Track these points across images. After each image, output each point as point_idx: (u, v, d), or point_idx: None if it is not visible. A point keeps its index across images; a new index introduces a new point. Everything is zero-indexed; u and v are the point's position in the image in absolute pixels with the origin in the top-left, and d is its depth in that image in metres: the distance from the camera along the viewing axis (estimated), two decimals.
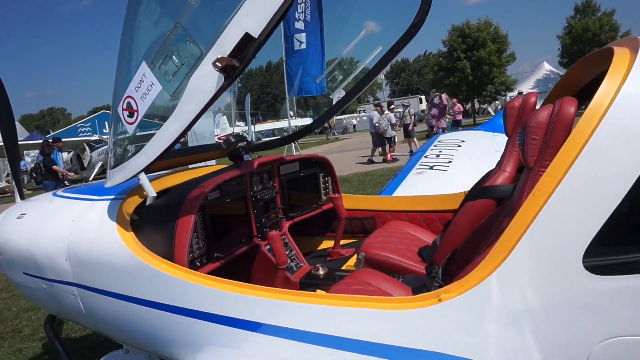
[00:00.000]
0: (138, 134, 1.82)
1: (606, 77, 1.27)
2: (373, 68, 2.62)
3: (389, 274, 2.26)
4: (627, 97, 1.21)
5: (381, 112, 15.20)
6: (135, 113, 1.73)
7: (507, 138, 2.50)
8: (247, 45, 1.46)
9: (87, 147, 21.94)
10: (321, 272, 2.65)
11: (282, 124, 36.65)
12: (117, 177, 1.97)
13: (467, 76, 32.95)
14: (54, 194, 2.73)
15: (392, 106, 16.00)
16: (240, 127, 27.10)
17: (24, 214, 2.55)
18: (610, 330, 1.25)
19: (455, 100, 22.45)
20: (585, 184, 1.23)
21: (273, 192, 2.83)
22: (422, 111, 18.97)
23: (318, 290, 2.48)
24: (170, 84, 1.61)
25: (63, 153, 24.16)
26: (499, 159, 2.48)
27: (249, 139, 3.00)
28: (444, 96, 15.85)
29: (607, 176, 1.20)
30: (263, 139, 16.79)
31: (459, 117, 20.35)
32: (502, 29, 33.86)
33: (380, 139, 15.10)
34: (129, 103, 1.74)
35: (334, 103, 3.17)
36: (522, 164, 2.36)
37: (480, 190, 2.36)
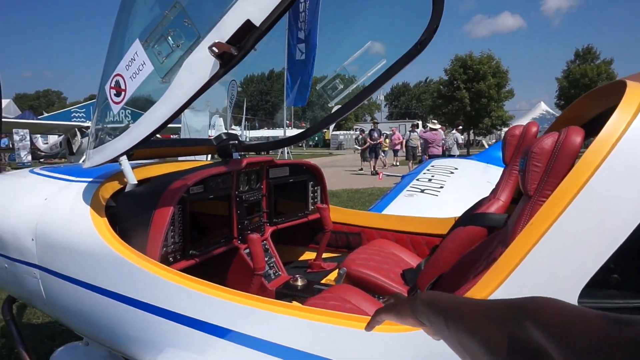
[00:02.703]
0: (123, 115, 1.73)
1: (618, 108, 1.21)
2: (374, 82, 2.57)
3: (369, 292, 2.17)
4: (638, 130, 1.15)
5: (447, 130, 16.05)
6: (123, 92, 1.64)
7: (502, 167, 2.45)
8: (247, 33, 1.38)
9: (78, 132, 21.60)
10: (299, 283, 2.55)
11: (277, 132, 36.65)
12: (96, 157, 1.86)
13: (465, 106, 33.40)
14: (31, 171, 2.61)
15: (460, 127, 16.95)
16: (235, 131, 27.01)
17: None
18: None
19: (393, 129, 22.64)
20: (589, 218, 1.16)
21: (259, 195, 2.74)
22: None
23: (294, 302, 2.38)
24: (163, 65, 1.52)
25: (53, 136, 23.84)
26: (494, 186, 2.43)
27: (241, 139, 2.92)
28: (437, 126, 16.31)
29: (612, 212, 1.14)
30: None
31: (397, 147, 20.53)
32: (503, 65, 34.57)
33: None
34: (117, 81, 1.65)
35: (330, 114, 3.10)
36: (517, 195, 2.33)
37: (472, 216, 2.30)
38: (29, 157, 19.81)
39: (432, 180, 5.36)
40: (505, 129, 33.94)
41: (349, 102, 2.80)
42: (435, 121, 17.63)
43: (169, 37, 1.51)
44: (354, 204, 10.02)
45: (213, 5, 1.52)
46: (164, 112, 1.59)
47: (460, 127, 16.93)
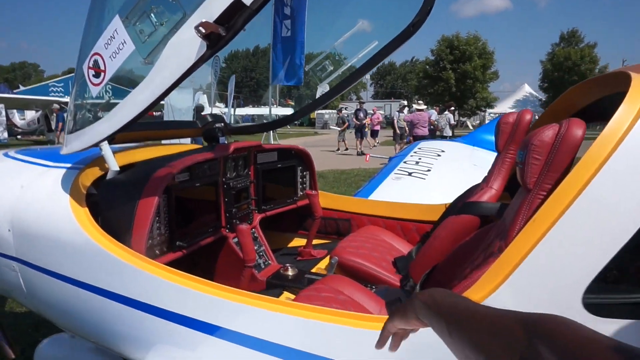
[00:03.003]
0: (103, 97, 1.61)
1: (624, 102, 1.16)
2: (365, 64, 2.48)
3: (361, 281, 2.13)
4: None
5: (440, 112, 15.83)
6: (102, 73, 1.52)
7: (490, 150, 2.41)
8: (236, 13, 1.27)
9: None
10: (290, 272, 2.49)
11: (262, 110, 36.21)
12: (74, 143, 1.75)
13: (450, 87, 33.50)
14: (6, 155, 2.47)
15: (452, 108, 17.07)
16: (219, 109, 26.53)
17: None
18: None
19: (374, 108, 22.40)
20: (595, 213, 1.12)
21: (247, 181, 2.65)
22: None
23: (285, 292, 2.33)
24: (145, 45, 1.41)
25: (30, 112, 23.09)
26: (486, 174, 2.39)
27: (227, 121, 2.81)
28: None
29: (618, 208, 1.10)
30: (242, 124, 16.45)
31: (377, 127, 20.37)
32: (489, 46, 34.61)
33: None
34: (96, 61, 1.52)
35: (317, 96, 2.99)
36: (510, 183, 2.29)
37: (465, 205, 2.26)
38: (5, 134, 19.23)
39: (420, 163, 5.33)
40: (489, 110, 34.26)
41: (338, 85, 2.70)
42: (421, 102, 17.52)
43: (152, 15, 1.39)
44: (340, 184, 10.00)
45: None
46: (147, 95, 1.48)
47: (452, 109, 17.02)
